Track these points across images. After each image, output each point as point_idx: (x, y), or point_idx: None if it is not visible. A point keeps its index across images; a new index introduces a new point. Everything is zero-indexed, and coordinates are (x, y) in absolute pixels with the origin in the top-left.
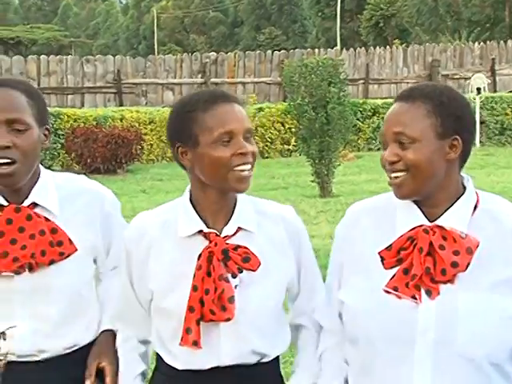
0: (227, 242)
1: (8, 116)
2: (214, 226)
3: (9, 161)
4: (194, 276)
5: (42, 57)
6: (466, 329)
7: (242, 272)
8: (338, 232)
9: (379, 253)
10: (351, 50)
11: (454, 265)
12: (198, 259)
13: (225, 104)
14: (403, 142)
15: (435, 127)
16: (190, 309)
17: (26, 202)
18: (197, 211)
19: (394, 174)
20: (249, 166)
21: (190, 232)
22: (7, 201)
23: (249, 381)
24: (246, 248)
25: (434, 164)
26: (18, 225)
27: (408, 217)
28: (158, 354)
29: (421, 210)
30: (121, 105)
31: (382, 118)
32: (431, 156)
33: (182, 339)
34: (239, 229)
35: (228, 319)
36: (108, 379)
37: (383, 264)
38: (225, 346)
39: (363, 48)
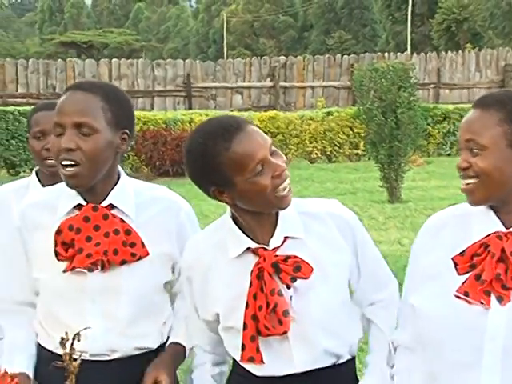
0: (276, 253)
1: (75, 119)
2: (261, 239)
3: (72, 163)
4: (248, 294)
5: (114, 60)
6: None
7: (295, 281)
8: (415, 246)
9: (453, 258)
10: (422, 54)
11: None
12: (251, 276)
13: (241, 134)
14: (473, 149)
15: (507, 135)
16: (244, 326)
17: (104, 203)
18: (242, 229)
19: (465, 181)
20: (288, 181)
21: (239, 251)
22: (86, 201)
23: None
24: (295, 257)
25: (505, 172)
26: (94, 223)
27: (484, 224)
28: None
29: (498, 216)
30: (190, 108)
31: (453, 123)
32: (501, 164)
33: (241, 356)
34: (286, 238)
35: (284, 332)
36: None
37: (457, 270)
38: (296, 354)
39: (434, 52)
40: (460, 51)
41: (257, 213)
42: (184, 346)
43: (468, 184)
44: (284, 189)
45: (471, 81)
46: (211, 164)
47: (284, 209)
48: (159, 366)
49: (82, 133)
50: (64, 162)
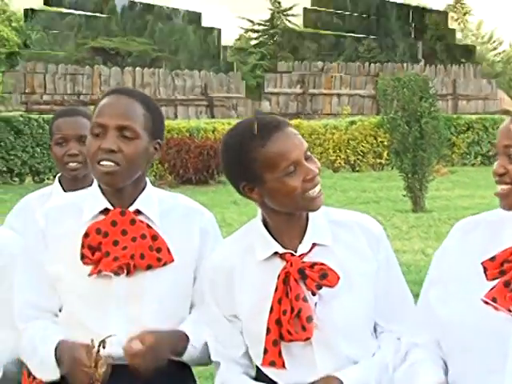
0: (304, 259)
1: (119, 122)
2: (289, 244)
3: (112, 163)
4: (273, 298)
5: (137, 69)
6: None
7: (321, 288)
8: (440, 249)
9: (482, 263)
10: (433, 66)
11: None
12: (277, 281)
13: (278, 133)
14: None
15: None
16: (267, 330)
17: (131, 209)
18: (271, 233)
19: (500, 186)
20: (319, 187)
21: (267, 255)
22: (112, 205)
23: None
24: (322, 264)
25: None
26: (121, 227)
27: None
28: (257, 366)
29: None
30: (212, 117)
31: (477, 133)
32: None
33: (262, 360)
34: (314, 245)
35: (307, 339)
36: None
37: (486, 275)
38: (319, 360)
39: (442, 65)
40: (462, 65)
41: (286, 214)
42: (187, 335)
43: (503, 189)
44: (313, 192)
45: (483, 92)
46: (245, 158)
47: (313, 211)
48: (150, 332)
49: (124, 136)
50: (103, 162)
